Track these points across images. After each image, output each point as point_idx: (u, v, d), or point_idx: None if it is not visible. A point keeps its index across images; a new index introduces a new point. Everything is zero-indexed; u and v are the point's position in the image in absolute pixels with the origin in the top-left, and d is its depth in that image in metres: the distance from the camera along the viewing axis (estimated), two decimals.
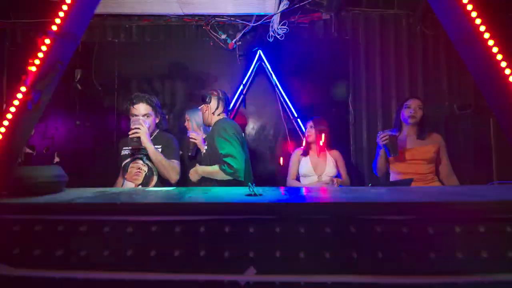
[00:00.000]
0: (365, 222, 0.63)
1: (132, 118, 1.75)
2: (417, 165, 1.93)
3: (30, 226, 0.66)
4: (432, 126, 1.99)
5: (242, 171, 1.72)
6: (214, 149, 1.81)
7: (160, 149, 1.78)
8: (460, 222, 0.62)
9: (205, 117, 2.01)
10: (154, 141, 1.79)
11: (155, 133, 1.89)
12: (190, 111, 2.38)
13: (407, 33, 2.85)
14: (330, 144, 2.27)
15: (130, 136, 1.68)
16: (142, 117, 1.75)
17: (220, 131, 1.80)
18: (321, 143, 2.21)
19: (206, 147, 1.93)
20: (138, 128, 1.68)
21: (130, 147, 1.81)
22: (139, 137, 1.68)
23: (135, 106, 1.79)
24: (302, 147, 2.34)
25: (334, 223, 0.63)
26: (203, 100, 1.98)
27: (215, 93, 1.99)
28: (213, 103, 1.97)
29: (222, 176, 1.72)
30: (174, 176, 1.78)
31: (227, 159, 1.70)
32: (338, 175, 2.23)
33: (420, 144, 1.97)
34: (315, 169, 2.20)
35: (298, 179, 2.31)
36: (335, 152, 2.28)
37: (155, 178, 1.81)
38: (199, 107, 2.04)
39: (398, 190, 1.00)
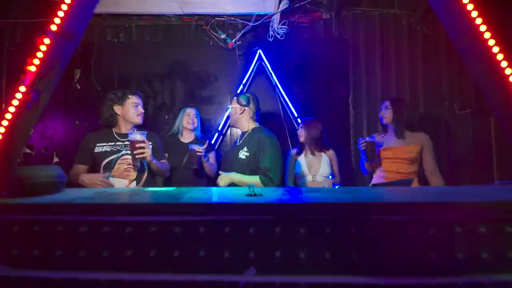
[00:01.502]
0: (365, 222, 0.63)
1: (133, 136, 1.67)
2: (399, 164, 1.96)
3: (30, 226, 0.66)
4: (431, 125, 1.99)
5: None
6: (257, 158, 1.74)
7: (151, 146, 1.76)
8: (460, 222, 0.62)
9: (240, 120, 1.89)
10: None
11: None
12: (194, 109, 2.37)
13: (407, 33, 2.85)
14: (324, 145, 2.29)
15: (137, 157, 1.67)
16: (140, 136, 1.68)
17: (273, 145, 1.76)
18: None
19: (246, 154, 1.79)
20: (144, 148, 1.67)
21: (107, 143, 1.80)
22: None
23: (136, 96, 1.88)
24: (296, 148, 2.38)
25: (334, 223, 0.63)
26: (241, 103, 1.87)
27: (252, 96, 1.90)
28: (252, 106, 1.87)
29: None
30: (167, 174, 1.98)
31: (271, 174, 1.68)
32: (331, 175, 2.26)
33: (403, 143, 1.99)
34: (309, 169, 2.23)
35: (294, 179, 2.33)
36: (330, 152, 2.31)
37: (146, 173, 1.86)
38: (231, 106, 1.92)
39: (398, 190, 1.00)
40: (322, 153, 2.28)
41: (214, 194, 0.86)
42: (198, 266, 0.62)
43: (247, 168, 1.77)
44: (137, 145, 1.66)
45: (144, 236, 0.64)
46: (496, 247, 0.61)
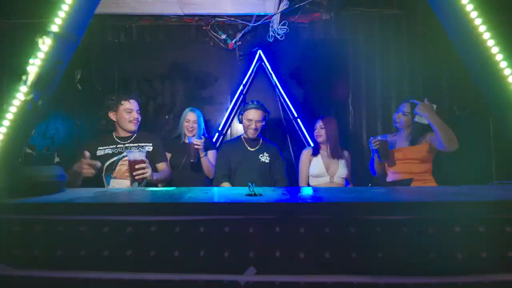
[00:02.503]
0: (365, 222, 0.63)
1: (131, 156, 1.58)
2: (411, 165, 1.92)
3: (30, 226, 0.66)
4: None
5: None
6: (274, 164, 2.11)
7: (151, 148, 1.72)
8: (460, 222, 0.62)
9: (258, 129, 2.12)
10: (144, 140, 1.79)
11: (139, 133, 1.87)
12: (197, 110, 2.34)
13: (407, 33, 2.85)
14: (341, 146, 2.20)
15: (136, 178, 1.56)
16: (139, 154, 1.58)
17: (282, 158, 2.18)
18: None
19: (268, 159, 2.09)
20: (144, 169, 1.57)
21: (109, 146, 1.77)
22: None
23: (130, 101, 1.80)
24: (310, 147, 2.30)
25: (334, 223, 0.63)
26: (265, 115, 2.13)
27: None
28: None
29: None
30: (168, 179, 1.93)
31: (283, 184, 2.06)
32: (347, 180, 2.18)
33: (413, 143, 1.95)
34: (327, 169, 2.11)
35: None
36: (346, 152, 2.22)
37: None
38: (263, 121, 2.12)
39: (398, 190, 1.00)
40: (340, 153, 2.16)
41: (214, 194, 0.86)
42: (198, 266, 0.62)
43: (270, 170, 2.09)
44: (136, 166, 1.54)
45: (144, 236, 0.64)
46: (495, 247, 0.61)
